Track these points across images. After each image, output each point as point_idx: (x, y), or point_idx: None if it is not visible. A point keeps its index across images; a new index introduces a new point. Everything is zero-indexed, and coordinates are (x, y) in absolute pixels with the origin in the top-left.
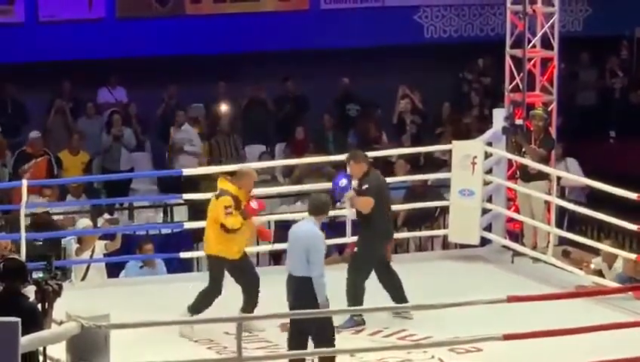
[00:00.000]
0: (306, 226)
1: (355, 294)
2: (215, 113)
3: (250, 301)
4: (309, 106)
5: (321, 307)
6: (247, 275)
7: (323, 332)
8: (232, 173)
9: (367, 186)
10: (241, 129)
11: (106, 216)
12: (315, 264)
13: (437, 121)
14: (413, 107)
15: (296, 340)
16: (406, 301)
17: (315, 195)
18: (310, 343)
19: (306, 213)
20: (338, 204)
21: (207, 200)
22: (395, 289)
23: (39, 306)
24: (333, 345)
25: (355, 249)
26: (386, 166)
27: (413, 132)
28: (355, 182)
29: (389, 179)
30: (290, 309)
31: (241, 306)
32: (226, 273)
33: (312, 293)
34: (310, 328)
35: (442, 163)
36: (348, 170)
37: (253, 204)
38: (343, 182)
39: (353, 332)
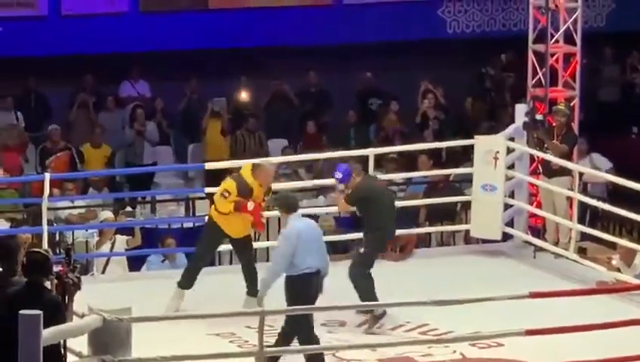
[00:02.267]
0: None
1: (367, 294)
2: (236, 100)
3: (252, 283)
4: (331, 101)
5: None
6: (246, 253)
7: (299, 332)
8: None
9: (350, 191)
10: (264, 123)
11: (127, 209)
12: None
13: (460, 117)
14: (436, 103)
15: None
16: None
17: (282, 193)
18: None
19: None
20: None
21: None
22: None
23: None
24: (316, 342)
25: (361, 250)
26: (409, 161)
27: (436, 128)
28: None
29: (411, 174)
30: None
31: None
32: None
33: (289, 291)
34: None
35: (464, 158)
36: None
37: (249, 205)
38: (339, 174)
39: (378, 326)
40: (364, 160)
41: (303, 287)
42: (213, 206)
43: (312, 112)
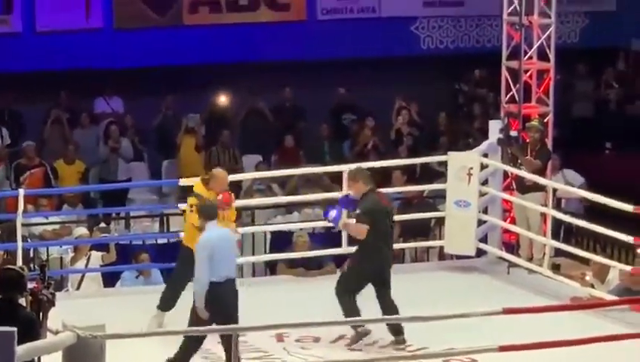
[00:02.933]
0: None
1: (350, 312)
2: (214, 105)
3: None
4: (305, 116)
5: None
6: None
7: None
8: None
9: (358, 212)
10: (239, 139)
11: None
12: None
13: (434, 132)
14: (410, 119)
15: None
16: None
17: (204, 202)
18: None
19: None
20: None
21: None
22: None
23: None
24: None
25: (347, 265)
26: (383, 177)
27: (410, 143)
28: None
29: (385, 190)
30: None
31: None
32: None
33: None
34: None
35: (438, 174)
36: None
37: (219, 197)
38: (332, 214)
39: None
40: (339, 176)
41: (213, 296)
42: (187, 225)
43: (288, 127)
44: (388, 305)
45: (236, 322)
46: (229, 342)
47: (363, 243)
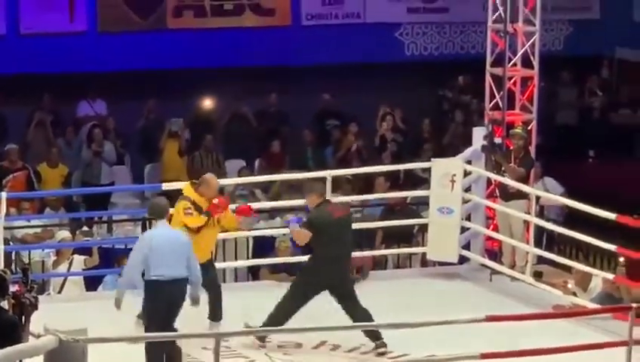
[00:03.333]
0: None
1: (276, 314)
2: (198, 108)
3: (216, 306)
4: (288, 121)
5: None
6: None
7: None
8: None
9: (305, 220)
10: (222, 143)
11: (85, 228)
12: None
13: (417, 139)
14: (394, 125)
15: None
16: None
17: (154, 200)
18: None
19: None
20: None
21: None
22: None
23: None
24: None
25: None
26: (366, 183)
27: (394, 150)
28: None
29: (368, 196)
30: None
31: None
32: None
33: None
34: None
35: (422, 180)
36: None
37: (215, 201)
38: (292, 220)
39: (332, 348)
40: (322, 181)
41: (152, 293)
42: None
43: (272, 132)
44: (360, 314)
45: (170, 324)
46: (172, 349)
47: (312, 254)
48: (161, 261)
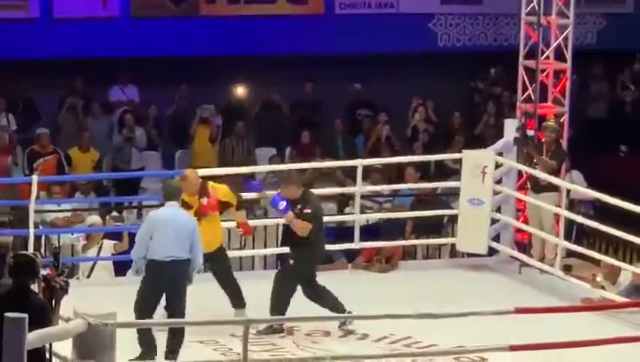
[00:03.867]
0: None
1: (278, 304)
2: (231, 95)
3: (235, 295)
4: (320, 110)
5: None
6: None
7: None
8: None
9: (309, 211)
10: (253, 131)
11: (115, 213)
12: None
13: (449, 130)
14: (426, 116)
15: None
16: (343, 310)
17: (168, 181)
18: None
19: None
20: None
21: None
22: (328, 302)
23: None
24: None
25: (291, 262)
26: (397, 173)
27: (426, 141)
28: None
29: (399, 186)
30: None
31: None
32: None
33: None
34: None
35: (453, 171)
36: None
37: (203, 201)
38: (282, 204)
39: (360, 337)
40: (352, 170)
41: (151, 272)
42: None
43: (305, 122)
44: (329, 297)
45: (177, 303)
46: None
47: (307, 243)
48: (165, 241)
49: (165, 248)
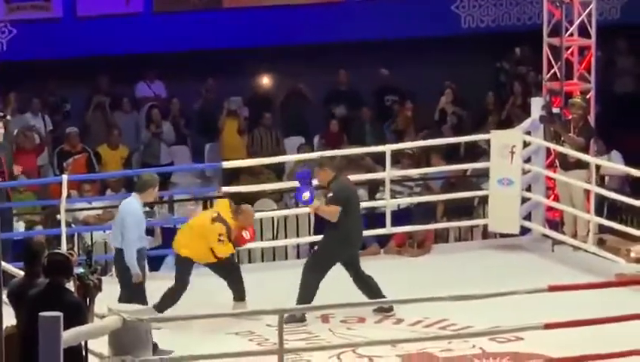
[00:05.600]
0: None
1: (305, 293)
2: (256, 86)
3: (237, 288)
4: (349, 98)
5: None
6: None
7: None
8: (236, 202)
9: (331, 195)
10: (280, 121)
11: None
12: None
13: (481, 111)
14: (454, 98)
15: None
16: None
17: (142, 174)
18: None
19: None
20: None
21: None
22: (369, 291)
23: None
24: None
25: (316, 247)
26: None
27: (454, 123)
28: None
29: (428, 170)
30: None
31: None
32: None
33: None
34: None
35: (483, 152)
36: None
37: (245, 234)
38: (306, 196)
39: (395, 322)
40: (381, 156)
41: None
42: (180, 242)
43: (333, 110)
44: (372, 283)
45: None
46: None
47: (334, 227)
48: (143, 232)
49: (143, 239)
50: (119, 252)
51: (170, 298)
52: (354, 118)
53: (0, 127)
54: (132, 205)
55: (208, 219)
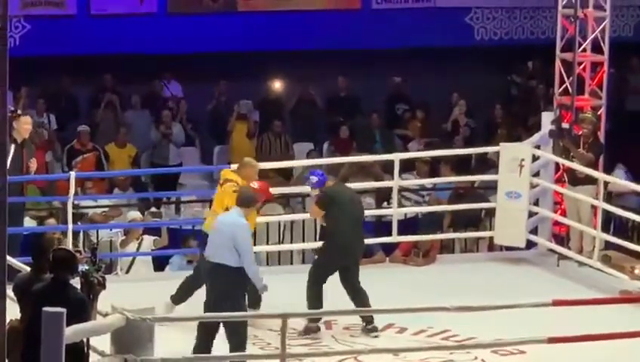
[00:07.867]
0: (231, 216)
1: (311, 305)
2: (268, 91)
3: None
4: (358, 106)
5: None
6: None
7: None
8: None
9: (319, 195)
10: (290, 126)
11: (154, 209)
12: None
13: (489, 124)
14: (467, 110)
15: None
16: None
17: (244, 189)
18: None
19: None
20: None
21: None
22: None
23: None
24: (245, 338)
25: (316, 256)
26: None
27: (467, 135)
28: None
29: (436, 180)
30: (214, 299)
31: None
32: None
33: (239, 283)
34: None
35: (493, 164)
36: None
37: (254, 185)
38: (313, 179)
39: (398, 331)
40: (389, 164)
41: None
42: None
43: (343, 117)
44: (355, 290)
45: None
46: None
47: (327, 234)
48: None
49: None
50: (228, 269)
51: (188, 289)
52: (362, 124)
53: (27, 123)
54: (241, 220)
55: (219, 188)
